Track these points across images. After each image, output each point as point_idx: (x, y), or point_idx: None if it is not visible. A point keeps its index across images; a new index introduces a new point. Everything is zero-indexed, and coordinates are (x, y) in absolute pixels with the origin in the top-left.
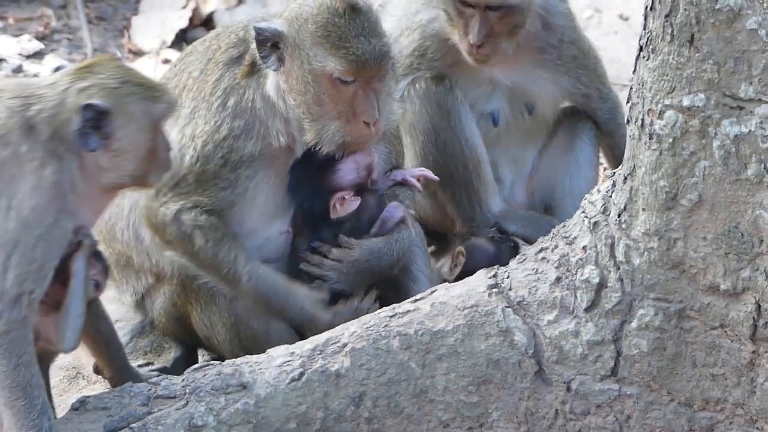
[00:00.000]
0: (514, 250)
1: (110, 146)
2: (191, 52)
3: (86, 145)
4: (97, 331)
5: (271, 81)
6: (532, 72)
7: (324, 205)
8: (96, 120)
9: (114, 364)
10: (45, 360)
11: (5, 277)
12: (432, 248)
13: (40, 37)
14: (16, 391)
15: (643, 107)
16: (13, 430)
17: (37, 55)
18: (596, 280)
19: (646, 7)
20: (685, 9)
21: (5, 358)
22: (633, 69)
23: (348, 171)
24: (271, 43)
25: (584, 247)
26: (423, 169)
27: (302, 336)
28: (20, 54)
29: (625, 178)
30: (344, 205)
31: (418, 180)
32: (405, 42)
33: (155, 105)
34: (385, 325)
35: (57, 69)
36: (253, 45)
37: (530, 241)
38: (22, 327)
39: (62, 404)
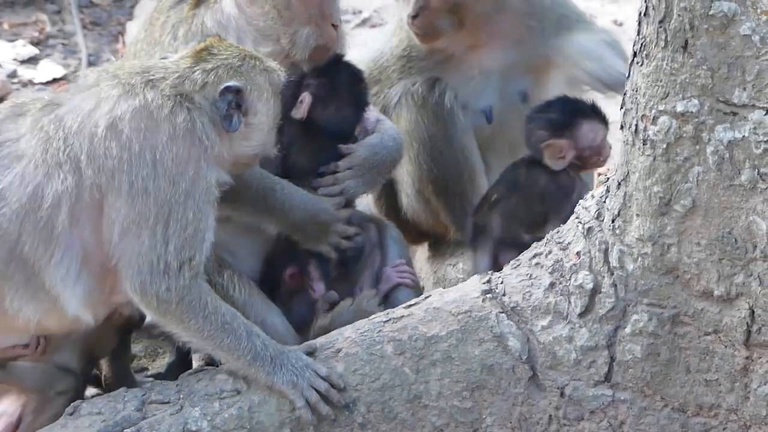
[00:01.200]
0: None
1: (248, 121)
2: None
3: (231, 125)
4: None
5: (228, 2)
6: (521, 43)
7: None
8: (235, 101)
9: (117, 365)
10: (128, 329)
11: (167, 249)
12: (427, 254)
13: (35, 43)
14: (217, 335)
15: (636, 113)
16: (232, 364)
17: (32, 61)
18: (590, 286)
19: (640, 13)
20: (679, 15)
21: (193, 318)
22: (627, 74)
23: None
24: None
25: (578, 253)
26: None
27: (298, 330)
28: (15, 59)
29: (619, 184)
30: None
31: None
32: (395, 42)
33: (273, 74)
34: (379, 331)
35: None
36: None
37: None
38: (195, 287)
39: None
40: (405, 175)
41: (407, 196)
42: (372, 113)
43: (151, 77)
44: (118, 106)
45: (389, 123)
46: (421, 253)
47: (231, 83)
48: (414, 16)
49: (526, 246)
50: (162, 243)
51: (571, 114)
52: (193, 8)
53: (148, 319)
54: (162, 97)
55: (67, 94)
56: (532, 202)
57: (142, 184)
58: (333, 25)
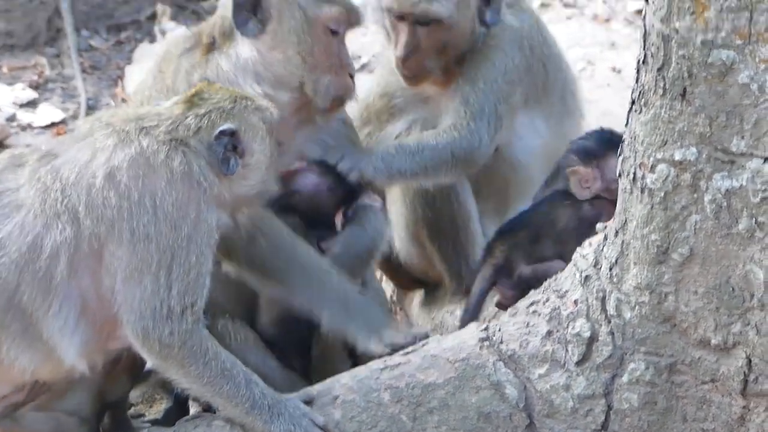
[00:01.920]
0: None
1: (245, 162)
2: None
3: (229, 169)
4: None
5: (246, 47)
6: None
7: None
8: (231, 143)
9: (115, 410)
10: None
11: (170, 294)
12: (423, 300)
13: (34, 86)
14: (216, 381)
15: (635, 161)
16: (229, 411)
17: (31, 104)
18: (587, 334)
19: (639, 61)
20: (678, 63)
21: (193, 363)
22: (625, 122)
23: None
24: (248, 6)
25: (575, 301)
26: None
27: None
28: (14, 102)
29: (617, 232)
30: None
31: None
32: (377, 82)
33: (266, 112)
34: (377, 378)
35: None
36: (217, 20)
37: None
38: (197, 333)
39: None
40: (399, 218)
41: (400, 239)
42: (364, 197)
43: (145, 125)
44: (114, 155)
45: (375, 211)
46: (417, 299)
47: (225, 126)
48: (404, 58)
49: (522, 279)
50: (165, 288)
51: (604, 145)
52: (206, 53)
53: (148, 364)
54: (157, 142)
55: (63, 145)
56: (545, 238)
57: (144, 231)
58: (350, 75)
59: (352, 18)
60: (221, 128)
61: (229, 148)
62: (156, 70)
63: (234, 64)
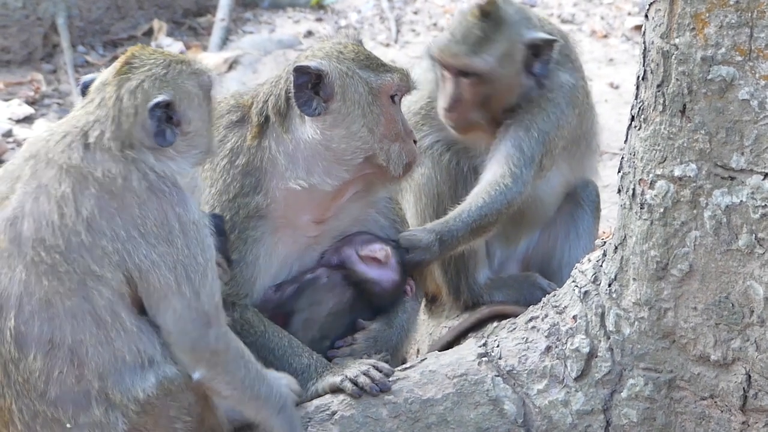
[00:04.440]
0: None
1: (185, 130)
2: None
3: (165, 141)
4: None
5: (307, 127)
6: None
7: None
8: (166, 114)
9: None
10: None
11: (200, 301)
12: (422, 316)
13: (31, 102)
14: (255, 383)
15: (634, 177)
16: (261, 414)
17: (28, 120)
18: (586, 350)
19: (638, 77)
20: (677, 79)
21: (237, 367)
22: (623, 137)
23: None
24: (310, 85)
25: (574, 317)
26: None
27: None
28: (10, 118)
29: (616, 248)
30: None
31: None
32: (416, 96)
33: (202, 77)
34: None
35: (84, 86)
36: (268, 96)
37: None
38: (229, 333)
39: None
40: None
41: None
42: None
43: (90, 140)
44: (81, 203)
45: (410, 306)
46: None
47: (157, 99)
48: (448, 109)
49: None
50: (194, 298)
51: None
52: (257, 137)
53: (195, 377)
54: (107, 160)
55: (13, 198)
56: None
57: (148, 261)
58: (414, 141)
59: (410, 83)
60: (154, 101)
61: (163, 119)
62: None
63: (294, 148)
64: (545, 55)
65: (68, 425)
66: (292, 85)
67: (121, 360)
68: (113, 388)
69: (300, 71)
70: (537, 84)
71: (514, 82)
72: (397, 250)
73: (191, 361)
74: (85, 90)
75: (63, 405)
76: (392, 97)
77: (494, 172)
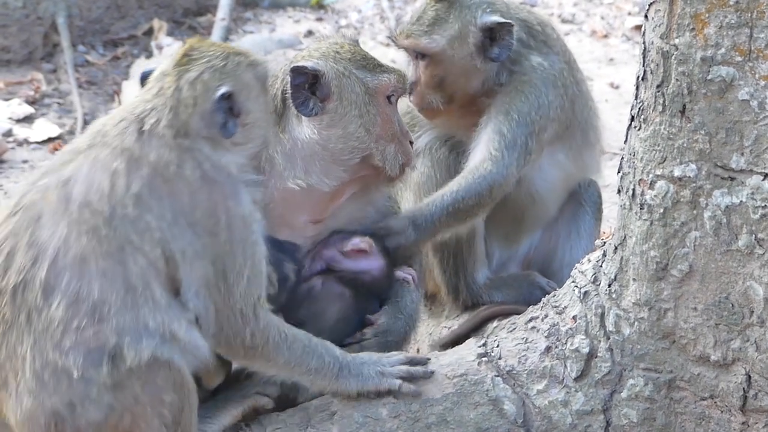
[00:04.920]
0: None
1: (243, 121)
2: None
3: (227, 132)
4: None
5: (304, 127)
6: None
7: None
8: (227, 106)
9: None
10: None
11: (234, 299)
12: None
13: (31, 101)
14: (303, 360)
15: (634, 177)
16: (319, 383)
17: (28, 119)
18: (586, 350)
19: (638, 77)
20: (677, 79)
21: (279, 354)
22: (623, 137)
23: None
24: (307, 85)
25: (574, 317)
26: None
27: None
28: (10, 118)
29: (616, 248)
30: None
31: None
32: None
33: (258, 67)
34: None
35: (144, 76)
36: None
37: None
38: (271, 324)
39: None
40: None
41: None
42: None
43: (145, 127)
44: (132, 180)
45: (411, 290)
46: None
47: (222, 91)
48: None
49: None
50: (227, 295)
51: None
52: None
53: (234, 364)
54: (162, 148)
55: (71, 165)
56: None
57: (192, 250)
58: (410, 142)
59: (407, 83)
60: (220, 92)
61: (225, 112)
62: None
63: (291, 148)
64: (502, 39)
65: (75, 374)
66: (288, 85)
67: (143, 325)
68: (129, 347)
69: (297, 71)
70: (506, 70)
71: (468, 65)
72: (376, 237)
73: (227, 353)
74: (144, 80)
75: (75, 355)
76: (389, 97)
77: (475, 158)
